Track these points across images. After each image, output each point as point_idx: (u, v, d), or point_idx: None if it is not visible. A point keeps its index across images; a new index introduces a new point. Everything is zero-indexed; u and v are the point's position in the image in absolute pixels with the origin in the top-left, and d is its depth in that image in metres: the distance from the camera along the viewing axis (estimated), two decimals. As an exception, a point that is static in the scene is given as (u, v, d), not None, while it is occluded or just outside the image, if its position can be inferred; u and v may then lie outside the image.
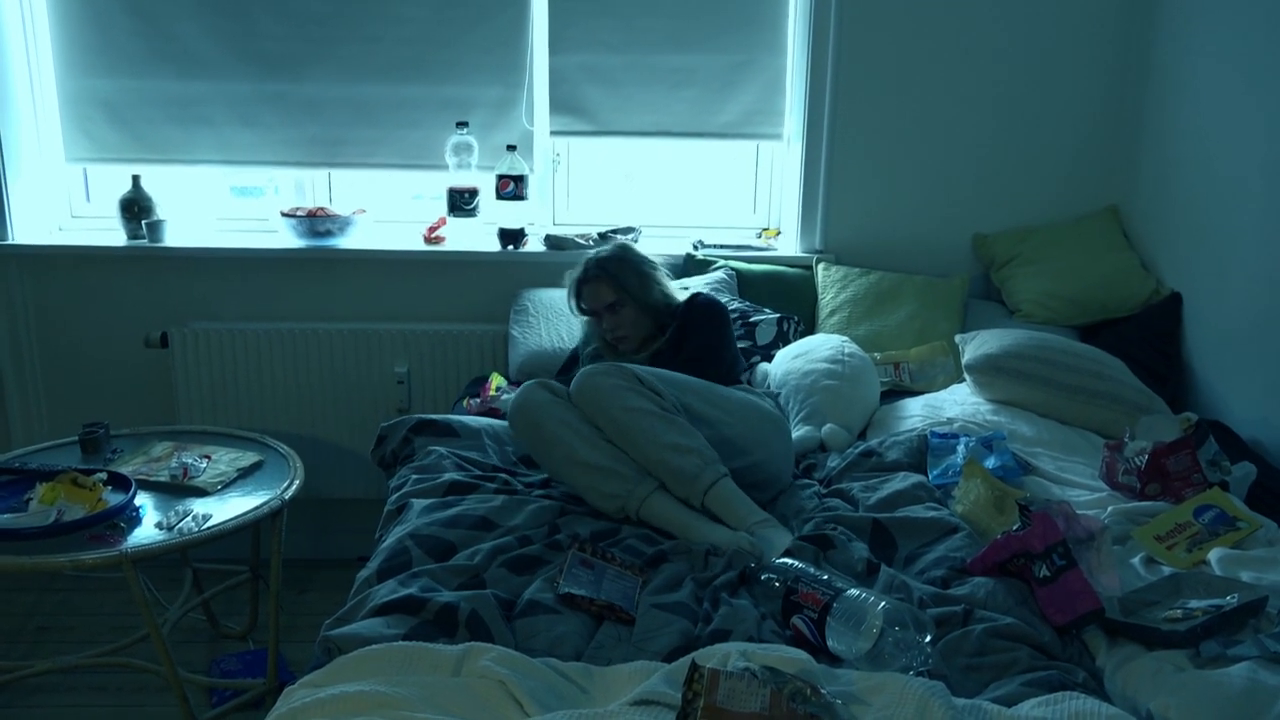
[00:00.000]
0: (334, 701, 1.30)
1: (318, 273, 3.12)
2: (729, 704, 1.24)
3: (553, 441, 2.08)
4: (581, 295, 2.50)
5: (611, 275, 2.46)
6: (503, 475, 2.17)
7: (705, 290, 2.70)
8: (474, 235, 3.10)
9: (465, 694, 1.35)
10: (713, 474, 2.00)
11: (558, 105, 3.09)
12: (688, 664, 1.30)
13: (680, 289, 2.66)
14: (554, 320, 2.93)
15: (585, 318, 2.55)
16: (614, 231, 3.09)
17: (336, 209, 3.11)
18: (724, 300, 2.75)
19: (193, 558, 2.78)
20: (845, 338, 2.76)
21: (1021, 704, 1.39)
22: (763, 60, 3.08)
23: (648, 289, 2.49)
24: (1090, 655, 1.60)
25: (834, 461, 2.33)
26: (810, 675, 1.36)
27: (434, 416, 2.40)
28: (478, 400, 2.64)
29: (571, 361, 2.69)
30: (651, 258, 2.57)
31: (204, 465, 2.43)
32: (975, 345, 2.61)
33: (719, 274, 3.02)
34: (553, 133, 3.12)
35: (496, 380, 2.70)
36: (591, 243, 3.03)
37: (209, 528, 2.17)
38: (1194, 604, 1.62)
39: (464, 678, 1.40)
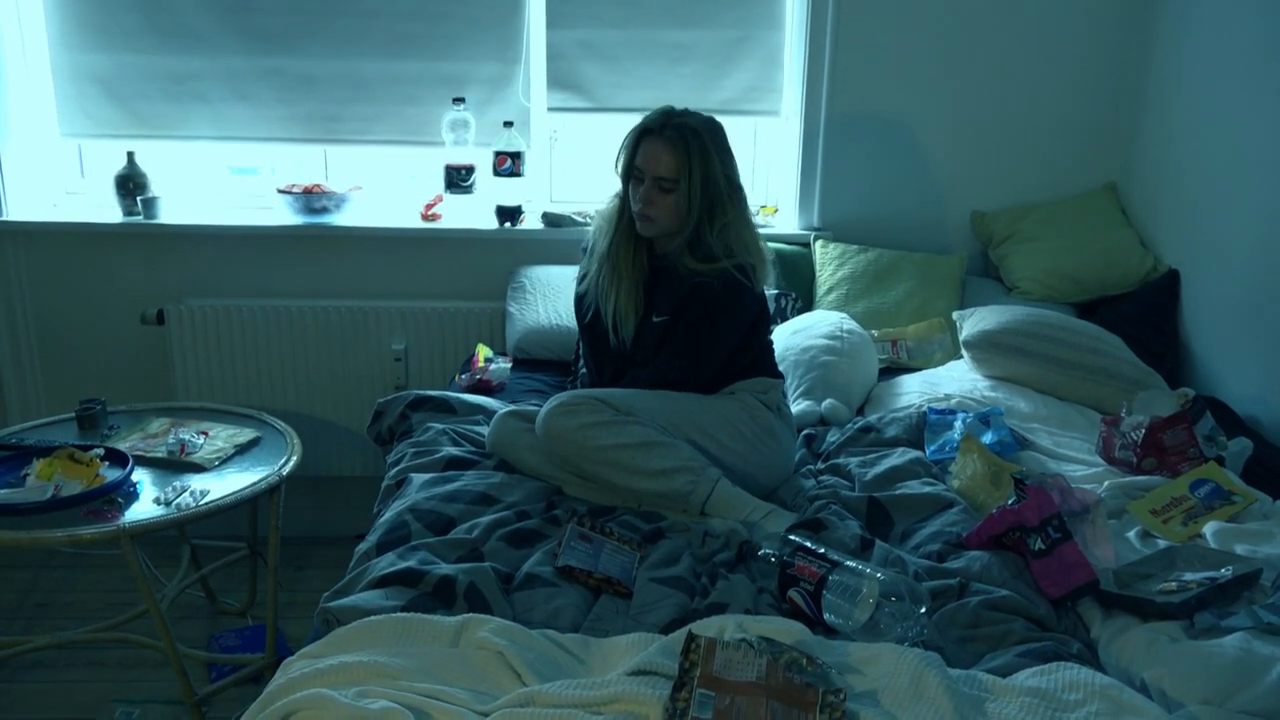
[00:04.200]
0: (333, 671, 1.31)
1: (314, 249, 3.11)
2: (725, 673, 1.25)
3: (537, 472, 2.07)
4: (638, 150, 2.12)
5: (686, 149, 2.07)
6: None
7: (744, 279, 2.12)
8: (471, 212, 3.09)
9: (463, 664, 1.36)
10: (706, 486, 1.96)
11: (555, 81, 3.07)
12: (684, 635, 1.30)
13: (751, 244, 2.15)
14: (551, 297, 2.92)
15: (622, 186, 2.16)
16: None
17: (333, 185, 3.09)
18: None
19: (191, 534, 2.78)
20: (844, 314, 2.76)
21: (1016, 674, 1.40)
22: (760, 35, 3.06)
23: (714, 198, 2.09)
24: (1085, 627, 1.61)
25: (833, 436, 2.34)
26: (806, 646, 1.37)
27: (431, 393, 2.40)
28: (466, 375, 2.63)
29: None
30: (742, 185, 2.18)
31: (201, 441, 2.43)
32: (973, 322, 2.61)
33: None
34: (550, 109, 3.10)
35: (484, 351, 2.67)
36: (587, 220, 3.01)
37: (206, 503, 2.17)
38: (1189, 576, 1.63)
39: (462, 648, 1.40)
